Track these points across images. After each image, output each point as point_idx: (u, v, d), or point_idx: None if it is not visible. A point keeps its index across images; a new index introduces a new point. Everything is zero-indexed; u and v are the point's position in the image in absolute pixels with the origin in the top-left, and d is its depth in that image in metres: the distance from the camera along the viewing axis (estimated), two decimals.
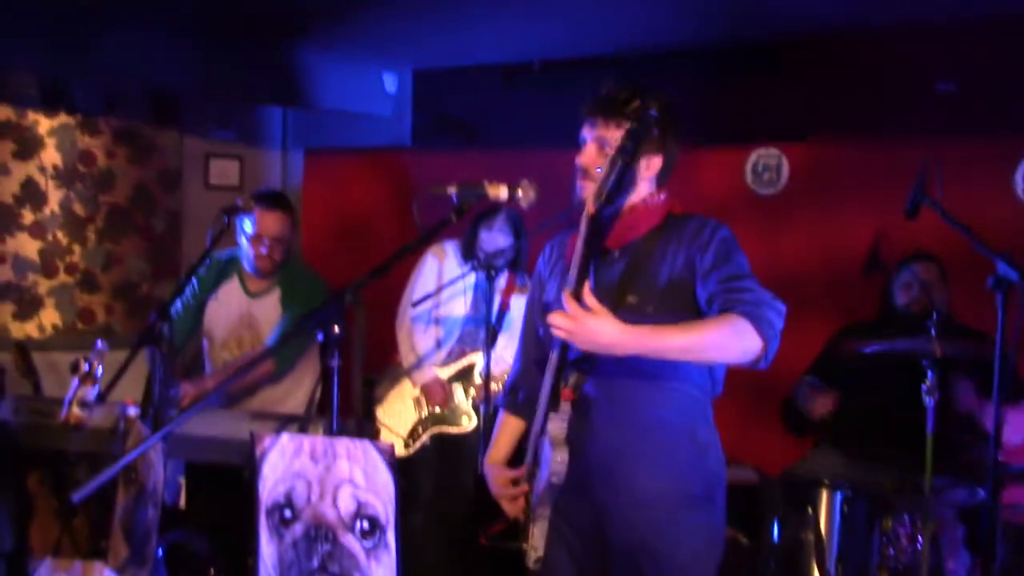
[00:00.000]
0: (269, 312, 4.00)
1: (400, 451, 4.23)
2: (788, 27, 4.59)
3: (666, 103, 2.40)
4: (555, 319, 2.22)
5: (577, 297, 2.21)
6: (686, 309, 2.36)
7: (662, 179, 2.49)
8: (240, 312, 4.02)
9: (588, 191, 2.37)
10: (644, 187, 2.47)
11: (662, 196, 2.48)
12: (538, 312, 2.63)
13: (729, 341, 2.25)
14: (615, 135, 2.35)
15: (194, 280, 4.02)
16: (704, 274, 2.35)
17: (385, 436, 4.27)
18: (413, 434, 4.30)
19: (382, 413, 4.36)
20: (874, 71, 4.62)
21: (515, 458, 2.68)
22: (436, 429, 4.31)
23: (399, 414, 4.32)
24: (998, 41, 4.35)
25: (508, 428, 2.73)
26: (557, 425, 2.38)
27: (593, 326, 2.18)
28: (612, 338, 2.19)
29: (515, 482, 2.51)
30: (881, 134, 4.63)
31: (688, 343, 2.24)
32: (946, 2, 3.99)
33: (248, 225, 3.89)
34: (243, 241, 3.94)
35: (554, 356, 2.37)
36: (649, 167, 2.44)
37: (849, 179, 4.73)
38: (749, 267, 2.39)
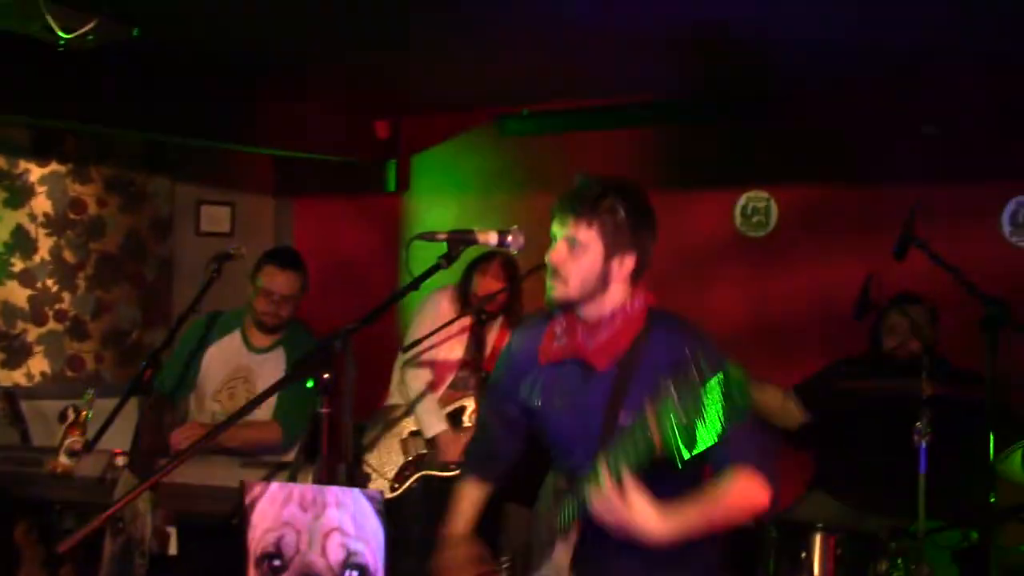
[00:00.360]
0: (268, 369, 4.00)
1: (386, 494, 4.21)
2: (777, 75, 4.65)
3: (636, 198, 2.36)
4: (597, 502, 2.17)
5: (615, 473, 2.15)
6: None
7: (636, 277, 2.39)
8: (238, 364, 4.03)
9: (559, 292, 2.36)
10: (618, 290, 2.38)
11: (639, 301, 2.40)
12: (504, 403, 2.61)
13: (744, 509, 2.29)
14: (586, 234, 2.32)
15: (192, 334, 4.05)
16: None
17: (372, 482, 4.24)
18: (400, 477, 4.27)
19: (369, 456, 4.34)
20: (862, 115, 4.67)
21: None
22: (424, 473, 4.28)
23: (386, 456, 4.30)
24: (983, 86, 4.40)
25: (473, 498, 2.69)
26: (563, 553, 2.36)
27: (631, 516, 2.15)
28: (648, 531, 2.16)
29: (483, 569, 2.49)
30: (869, 177, 4.67)
31: (714, 524, 2.27)
32: (931, 50, 4.05)
33: (259, 280, 3.96)
34: (253, 295, 3.99)
35: (564, 484, 2.39)
36: (623, 266, 2.36)
37: (838, 221, 4.76)
38: None
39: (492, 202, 5.72)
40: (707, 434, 2.10)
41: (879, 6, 3.50)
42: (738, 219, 5.01)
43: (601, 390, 2.35)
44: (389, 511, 3.52)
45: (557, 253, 2.36)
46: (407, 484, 4.26)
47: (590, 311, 2.38)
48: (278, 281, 3.95)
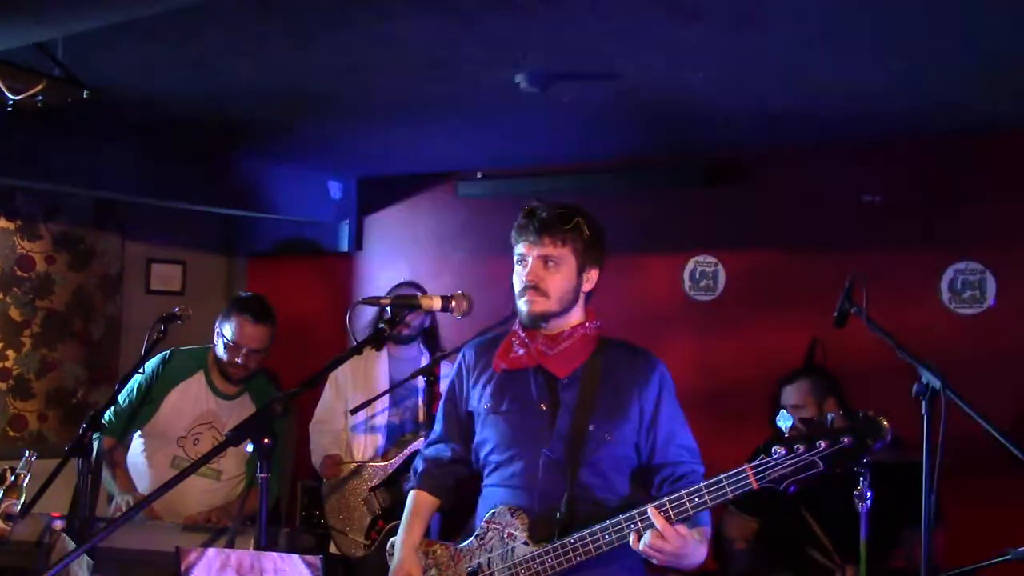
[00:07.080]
0: (235, 417, 3.85)
1: (360, 552, 4.12)
2: (725, 144, 4.75)
3: (593, 219, 2.60)
4: (656, 545, 2.32)
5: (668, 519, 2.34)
6: (630, 438, 2.57)
7: (592, 294, 2.64)
8: (206, 409, 3.88)
9: (540, 306, 2.53)
10: (580, 306, 2.62)
11: (596, 323, 2.65)
12: (457, 412, 2.76)
13: None
14: (560, 251, 2.53)
15: (149, 370, 3.89)
16: (663, 441, 2.59)
17: (343, 542, 4.15)
18: (371, 534, 4.13)
19: (332, 518, 4.25)
20: (805, 183, 4.79)
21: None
22: (395, 524, 4.15)
23: (350, 514, 4.18)
24: (921, 158, 4.54)
25: (425, 507, 2.78)
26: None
27: (688, 551, 2.34)
28: (700, 559, 2.39)
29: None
30: (813, 243, 4.77)
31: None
32: (871, 120, 4.17)
33: (228, 331, 3.80)
34: (219, 344, 3.83)
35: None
36: (589, 280, 2.61)
37: (784, 286, 4.84)
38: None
39: (447, 264, 5.74)
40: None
41: (821, 78, 3.61)
42: (686, 283, 5.09)
43: (564, 398, 2.57)
44: (366, 566, 3.56)
45: (533, 272, 2.55)
46: (381, 537, 4.13)
47: (557, 325, 2.59)
48: (249, 334, 3.78)
